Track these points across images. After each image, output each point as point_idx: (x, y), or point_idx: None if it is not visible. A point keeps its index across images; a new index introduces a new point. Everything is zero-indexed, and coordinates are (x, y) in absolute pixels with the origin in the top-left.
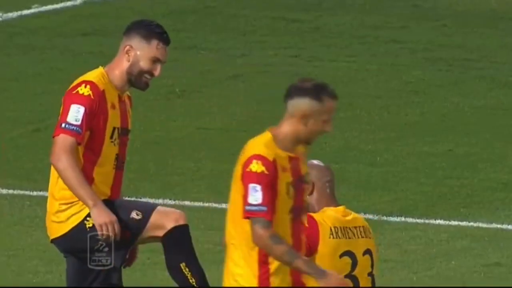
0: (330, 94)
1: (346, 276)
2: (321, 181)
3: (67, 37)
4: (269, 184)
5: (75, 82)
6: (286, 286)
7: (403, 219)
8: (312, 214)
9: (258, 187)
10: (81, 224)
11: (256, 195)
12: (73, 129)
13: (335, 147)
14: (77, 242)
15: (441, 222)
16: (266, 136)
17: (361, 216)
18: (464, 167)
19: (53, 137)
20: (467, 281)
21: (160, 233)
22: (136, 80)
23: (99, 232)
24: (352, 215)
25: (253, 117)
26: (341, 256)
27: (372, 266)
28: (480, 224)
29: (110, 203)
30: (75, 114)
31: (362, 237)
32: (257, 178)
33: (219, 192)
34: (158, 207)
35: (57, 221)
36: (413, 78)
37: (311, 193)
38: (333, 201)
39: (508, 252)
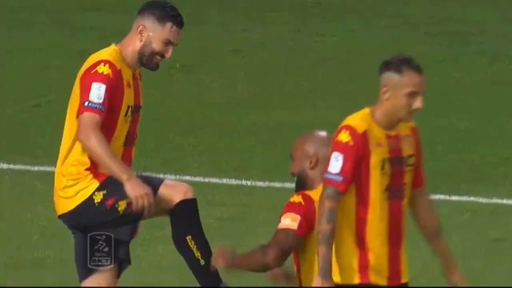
0: (412, 67)
1: None
2: (326, 155)
3: (68, 12)
4: (353, 156)
5: (91, 61)
6: (384, 282)
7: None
8: (308, 192)
9: (340, 157)
10: (89, 199)
11: (336, 164)
12: (96, 106)
13: (336, 123)
14: (85, 217)
15: (441, 197)
16: (364, 110)
17: None
18: (465, 142)
19: (77, 116)
20: (467, 256)
21: (168, 206)
22: (147, 60)
23: (133, 206)
24: None
25: (254, 92)
26: None
27: None
28: (481, 200)
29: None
30: (97, 92)
31: None
32: (341, 147)
33: (220, 167)
34: (166, 181)
35: (65, 196)
36: (414, 53)
37: (314, 167)
38: None
39: (508, 227)
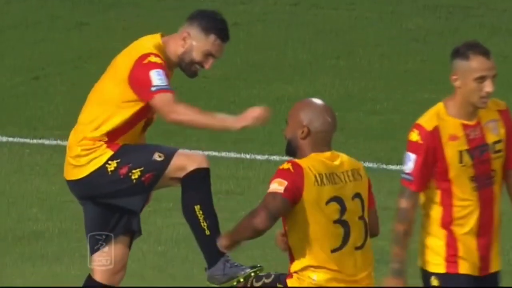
0: (479, 51)
1: (335, 222)
2: (317, 129)
3: None
4: (423, 154)
5: (139, 51)
6: (474, 272)
7: (402, 167)
8: (298, 161)
9: (412, 157)
10: (102, 168)
11: (409, 164)
12: (165, 87)
13: (335, 95)
14: (97, 186)
15: None
16: (437, 105)
17: (354, 159)
18: None
19: (148, 101)
20: None
21: (181, 174)
22: (186, 67)
23: (258, 125)
24: (340, 158)
25: (252, 65)
26: (327, 202)
27: (362, 209)
28: None
29: (132, 146)
30: (158, 77)
31: (350, 181)
32: (412, 147)
33: (219, 140)
34: (180, 150)
35: (77, 165)
36: (413, 25)
37: (305, 137)
38: (326, 148)
39: (507, 199)
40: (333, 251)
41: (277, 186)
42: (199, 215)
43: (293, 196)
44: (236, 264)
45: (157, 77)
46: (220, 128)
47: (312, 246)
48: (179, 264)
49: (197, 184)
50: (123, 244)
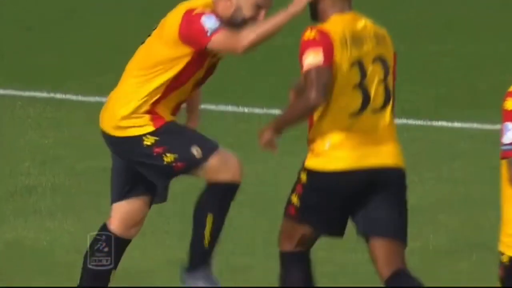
0: None
1: (356, 85)
2: None
3: None
4: None
5: (184, 9)
6: None
7: (404, 120)
8: (322, 27)
9: (510, 125)
10: (139, 138)
11: (508, 134)
12: (218, 27)
13: None
14: (129, 151)
15: (444, 123)
16: None
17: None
18: (469, 67)
19: (207, 46)
20: (471, 182)
21: (211, 176)
22: (240, 27)
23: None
24: (364, 21)
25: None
26: (351, 66)
27: (385, 73)
28: (485, 126)
29: (175, 127)
30: (209, 20)
31: (373, 44)
32: (510, 115)
33: (217, 94)
34: (220, 149)
35: (117, 124)
36: None
37: None
38: (346, 7)
39: None
40: (352, 115)
41: (313, 58)
42: (207, 224)
43: (331, 62)
44: (212, 280)
45: (208, 21)
46: (287, 19)
47: (331, 111)
48: (175, 222)
49: (221, 196)
50: (142, 201)
